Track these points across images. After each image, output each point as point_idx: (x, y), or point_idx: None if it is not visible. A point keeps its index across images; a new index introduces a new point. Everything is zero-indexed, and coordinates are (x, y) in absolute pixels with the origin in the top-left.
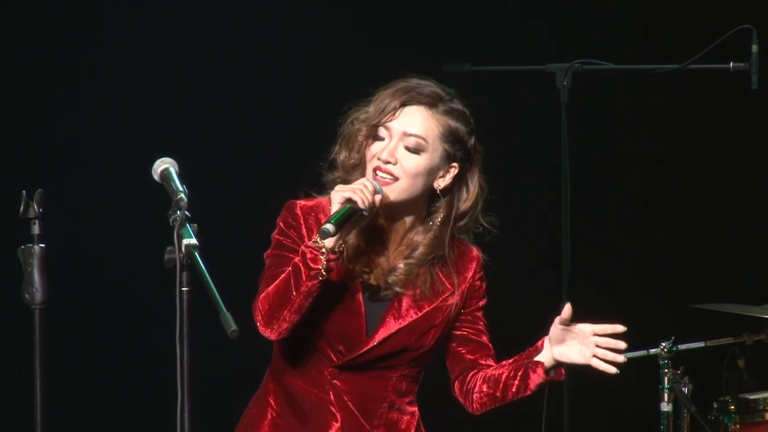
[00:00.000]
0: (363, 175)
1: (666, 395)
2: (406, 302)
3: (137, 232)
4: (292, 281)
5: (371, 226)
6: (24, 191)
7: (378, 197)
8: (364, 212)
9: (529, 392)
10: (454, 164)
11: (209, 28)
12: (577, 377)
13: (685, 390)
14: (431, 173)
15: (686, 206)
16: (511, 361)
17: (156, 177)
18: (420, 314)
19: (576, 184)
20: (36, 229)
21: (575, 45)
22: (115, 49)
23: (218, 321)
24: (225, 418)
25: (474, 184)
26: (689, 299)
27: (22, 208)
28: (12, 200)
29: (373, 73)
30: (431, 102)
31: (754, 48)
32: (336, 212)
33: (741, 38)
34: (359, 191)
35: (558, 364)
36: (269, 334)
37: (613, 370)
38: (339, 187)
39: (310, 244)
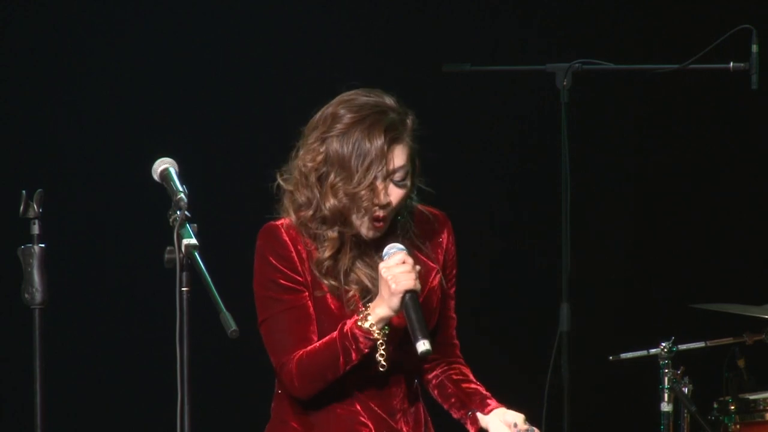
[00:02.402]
0: (356, 212)
1: (666, 395)
2: None
3: (137, 232)
4: (341, 360)
5: (355, 249)
6: (24, 191)
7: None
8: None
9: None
10: (417, 160)
11: (209, 28)
12: (576, 377)
13: (685, 390)
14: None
15: (686, 206)
16: (466, 387)
17: (156, 177)
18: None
19: (576, 184)
20: (36, 229)
21: (575, 45)
22: (115, 48)
23: (218, 321)
24: (225, 418)
25: (418, 159)
26: (689, 299)
27: (22, 208)
28: (12, 200)
29: (373, 73)
30: (400, 131)
31: (754, 48)
32: (419, 320)
33: (741, 38)
34: (414, 276)
35: None
36: (304, 398)
37: None
38: (390, 278)
39: (361, 330)
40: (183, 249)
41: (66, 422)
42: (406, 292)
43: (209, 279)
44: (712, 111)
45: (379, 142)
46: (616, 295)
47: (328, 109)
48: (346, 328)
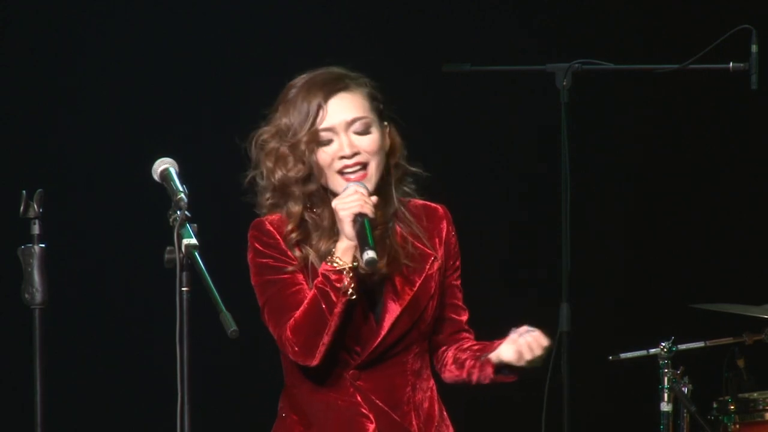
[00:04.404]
0: (320, 182)
1: (666, 395)
2: (398, 282)
3: (137, 232)
4: (323, 306)
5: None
6: (24, 191)
7: (372, 197)
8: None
9: (489, 382)
10: (385, 123)
11: (209, 27)
12: (576, 376)
13: (685, 390)
14: (384, 141)
15: (686, 206)
16: (477, 347)
17: (156, 177)
18: (415, 289)
19: (576, 184)
20: (36, 229)
21: (575, 45)
22: (115, 48)
23: (218, 321)
24: (225, 417)
25: (396, 133)
26: (689, 299)
27: (22, 208)
28: (12, 200)
29: (373, 73)
30: (344, 83)
31: (754, 48)
32: (364, 235)
33: (741, 38)
34: (362, 202)
35: (506, 365)
36: (309, 362)
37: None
38: (339, 205)
39: (329, 266)
40: (183, 249)
41: (66, 422)
42: (356, 216)
43: (209, 279)
44: (712, 111)
45: (318, 96)
46: (616, 295)
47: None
48: (319, 275)
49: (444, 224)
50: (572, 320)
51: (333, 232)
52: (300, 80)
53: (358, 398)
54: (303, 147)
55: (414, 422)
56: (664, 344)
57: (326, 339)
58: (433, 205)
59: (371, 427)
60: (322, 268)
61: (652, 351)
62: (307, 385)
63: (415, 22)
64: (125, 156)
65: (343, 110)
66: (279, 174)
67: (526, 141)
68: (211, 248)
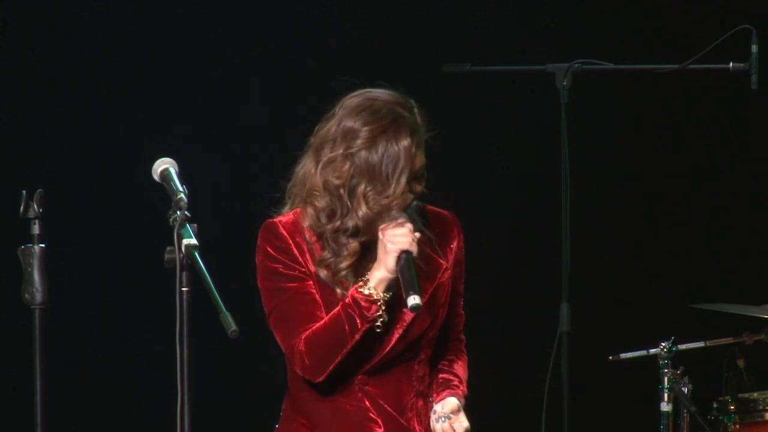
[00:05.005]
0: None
1: (666, 395)
2: None
3: (137, 232)
4: (346, 328)
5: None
6: (24, 191)
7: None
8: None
9: None
10: None
11: (209, 28)
12: (576, 376)
13: (685, 390)
14: None
15: (686, 206)
16: (442, 377)
17: (156, 177)
18: (426, 297)
19: (576, 184)
20: (36, 229)
21: (575, 45)
22: (115, 48)
23: (218, 321)
24: (225, 417)
25: None
26: (689, 299)
27: (22, 208)
28: (12, 200)
29: (373, 73)
30: (420, 127)
31: (754, 48)
32: (409, 276)
33: (741, 38)
34: (411, 239)
35: None
36: (317, 378)
37: None
38: (388, 238)
39: (362, 294)
40: (183, 249)
41: (66, 422)
42: (402, 252)
43: (209, 279)
44: (712, 111)
45: (405, 143)
46: (616, 295)
47: (343, 123)
48: (347, 296)
49: (455, 232)
50: (572, 320)
51: (369, 254)
52: (373, 119)
53: (366, 403)
54: (396, 202)
55: (417, 428)
56: (664, 344)
57: (340, 359)
58: (443, 212)
59: (379, 431)
60: (354, 293)
61: (652, 351)
62: (315, 389)
63: (415, 22)
64: (125, 156)
65: (420, 160)
66: (363, 211)
67: (526, 141)
68: (211, 248)
